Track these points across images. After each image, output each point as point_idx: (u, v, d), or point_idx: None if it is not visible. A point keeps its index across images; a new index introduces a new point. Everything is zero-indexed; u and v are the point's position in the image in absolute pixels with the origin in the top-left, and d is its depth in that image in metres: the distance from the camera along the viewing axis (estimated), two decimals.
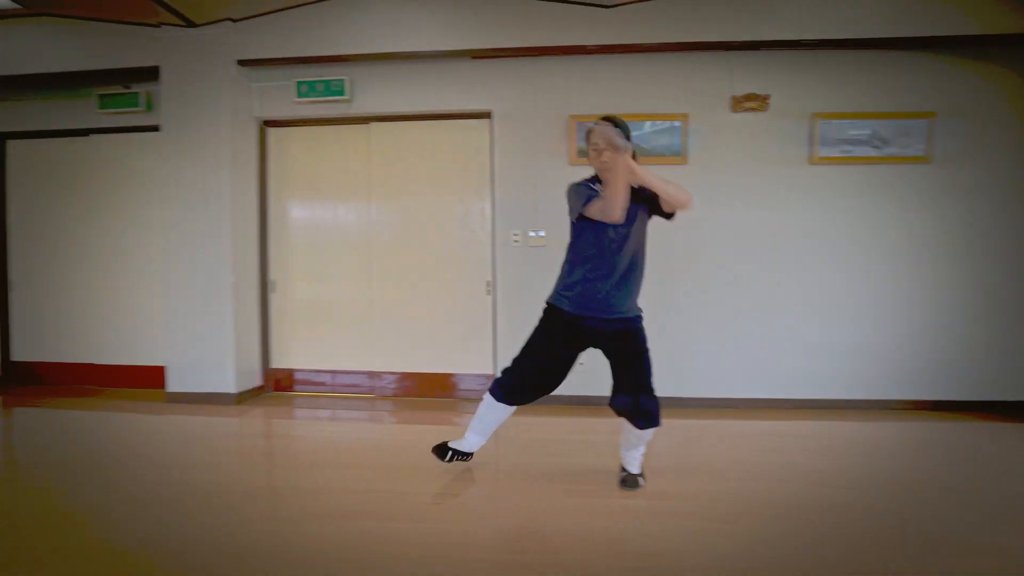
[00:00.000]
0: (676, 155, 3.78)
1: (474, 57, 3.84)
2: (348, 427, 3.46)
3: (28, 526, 2.05)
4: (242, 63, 3.88)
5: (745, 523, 2.06)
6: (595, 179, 2.35)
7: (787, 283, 3.78)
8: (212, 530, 2.02)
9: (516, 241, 3.90)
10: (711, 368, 3.81)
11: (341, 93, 3.90)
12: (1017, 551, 1.87)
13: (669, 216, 2.31)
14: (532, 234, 3.88)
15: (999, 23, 3.39)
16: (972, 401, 3.67)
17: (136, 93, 4.14)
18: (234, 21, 3.81)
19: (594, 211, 2.21)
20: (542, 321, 2.43)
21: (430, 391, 4.13)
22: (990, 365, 3.67)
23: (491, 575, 1.73)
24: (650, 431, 2.33)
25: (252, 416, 3.67)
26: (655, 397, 2.31)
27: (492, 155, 3.96)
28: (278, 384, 4.31)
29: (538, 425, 3.34)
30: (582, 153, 3.81)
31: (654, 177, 2.16)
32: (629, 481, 2.41)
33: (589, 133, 2.30)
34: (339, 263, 4.23)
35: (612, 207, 2.13)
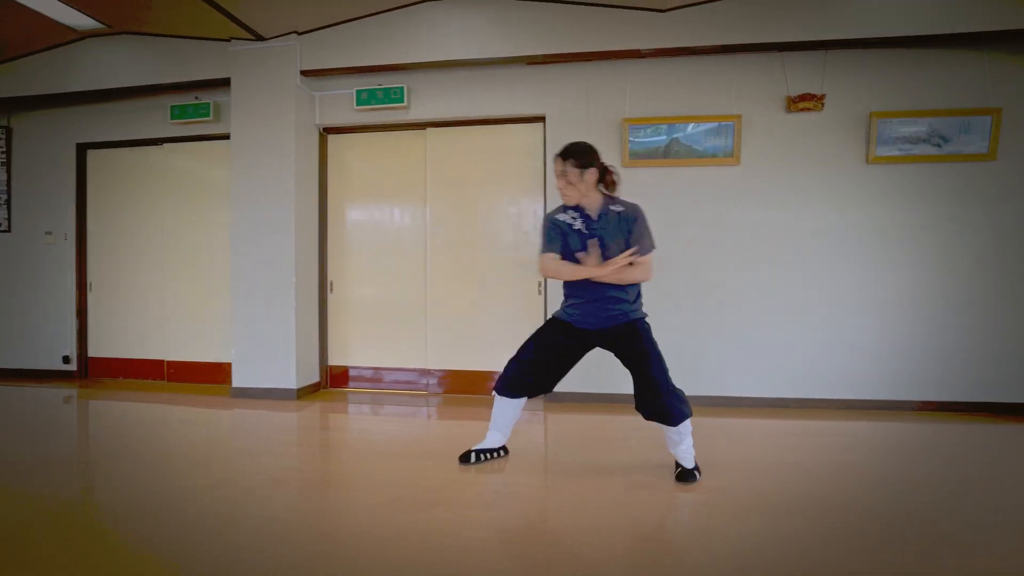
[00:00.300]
0: (728, 156, 3.80)
1: (529, 63, 3.95)
2: (406, 422, 3.56)
3: (121, 510, 2.20)
4: (305, 73, 4.07)
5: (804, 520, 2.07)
6: (566, 207, 2.45)
7: (817, 283, 3.75)
8: (305, 514, 2.15)
9: None
10: (747, 368, 3.79)
11: (400, 100, 4.05)
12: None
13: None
14: None
15: None
16: None
17: (207, 104, 4.38)
18: (299, 34, 4.01)
19: (547, 270, 2.45)
20: (547, 322, 2.59)
21: (481, 388, 4.22)
22: None
23: (565, 565, 1.79)
24: (683, 425, 2.36)
25: (313, 411, 3.82)
26: (674, 392, 2.35)
27: (545, 158, 4.04)
28: (334, 380, 4.48)
29: (594, 423, 3.39)
30: (634, 155, 3.86)
31: (616, 272, 2.30)
32: (685, 476, 2.42)
33: (556, 162, 2.41)
34: (394, 264, 4.37)
35: (569, 277, 2.39)
